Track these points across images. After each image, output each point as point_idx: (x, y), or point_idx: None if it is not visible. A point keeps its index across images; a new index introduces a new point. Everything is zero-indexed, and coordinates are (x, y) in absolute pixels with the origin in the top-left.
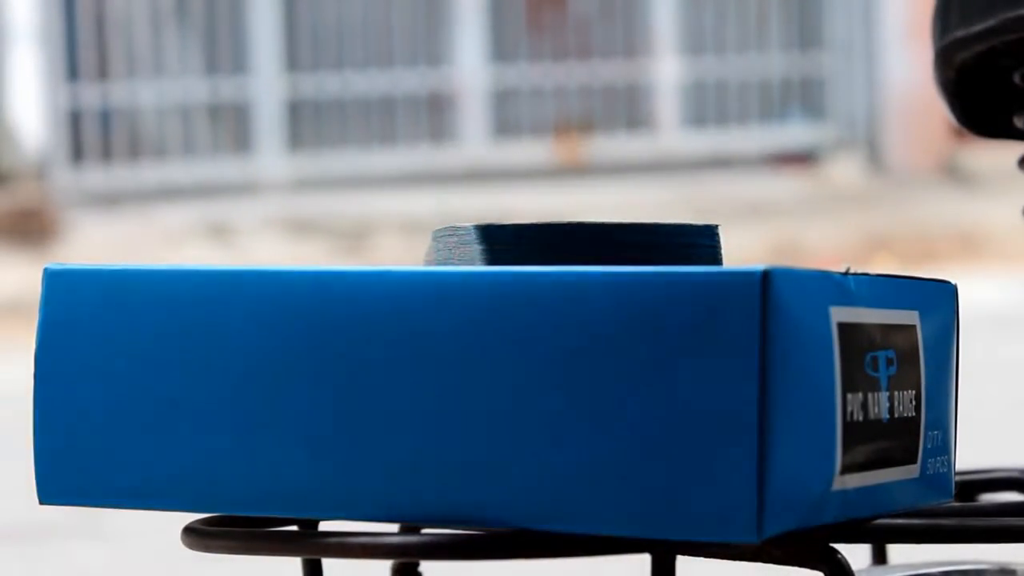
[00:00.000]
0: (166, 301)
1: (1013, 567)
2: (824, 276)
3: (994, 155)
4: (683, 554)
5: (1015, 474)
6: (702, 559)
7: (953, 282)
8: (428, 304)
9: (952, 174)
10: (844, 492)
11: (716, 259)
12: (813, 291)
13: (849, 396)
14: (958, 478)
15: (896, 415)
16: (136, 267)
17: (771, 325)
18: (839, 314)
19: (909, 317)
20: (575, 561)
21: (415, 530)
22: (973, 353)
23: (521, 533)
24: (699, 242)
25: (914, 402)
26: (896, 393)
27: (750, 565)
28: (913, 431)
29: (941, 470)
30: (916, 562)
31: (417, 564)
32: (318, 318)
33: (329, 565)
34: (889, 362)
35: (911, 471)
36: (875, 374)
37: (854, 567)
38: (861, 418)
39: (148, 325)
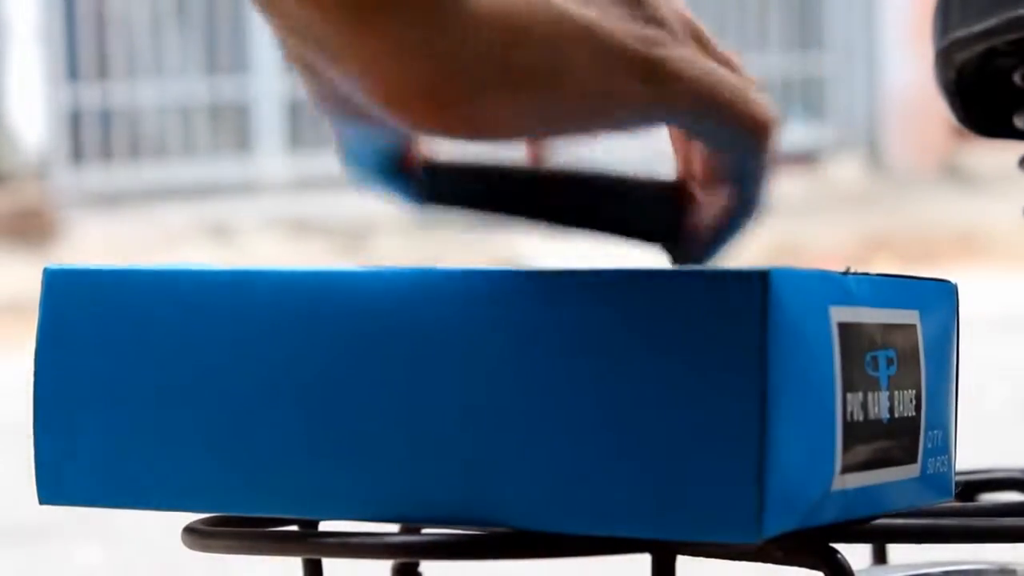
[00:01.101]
0: (166, 301)
1: (1013, 567)
2: (824, 276)
3: (994, 155)
4: (683, 554)
5: (1015, 474)
6: (702, 559)
7: (953, 281)
8: (428, 303)
9: (952, 174)
10: (844, 492)
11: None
12: (813, 291)
13: (849, 396)
14: (958, 478)
15: (896, 415)
16: (136, 267)
17: (771, 325)
18: (839, 314)
19: (909, 316)
20: (575, 561)
21: (415, 530)
22: (973, 353)
23: (521, 533)
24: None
25: (914, 402)
26: (896, 393)
27: (750, 565)
28: (913, 431)
29: (941, 470)
30: (916, 562)
31: (417, 564)
32: (318, 317)
33: (329, 565)
34: (889, 362)
35: (911, 471)
36: (875, 374)
37: (854, 567)
38: (861, 418)
39: (148, 325)
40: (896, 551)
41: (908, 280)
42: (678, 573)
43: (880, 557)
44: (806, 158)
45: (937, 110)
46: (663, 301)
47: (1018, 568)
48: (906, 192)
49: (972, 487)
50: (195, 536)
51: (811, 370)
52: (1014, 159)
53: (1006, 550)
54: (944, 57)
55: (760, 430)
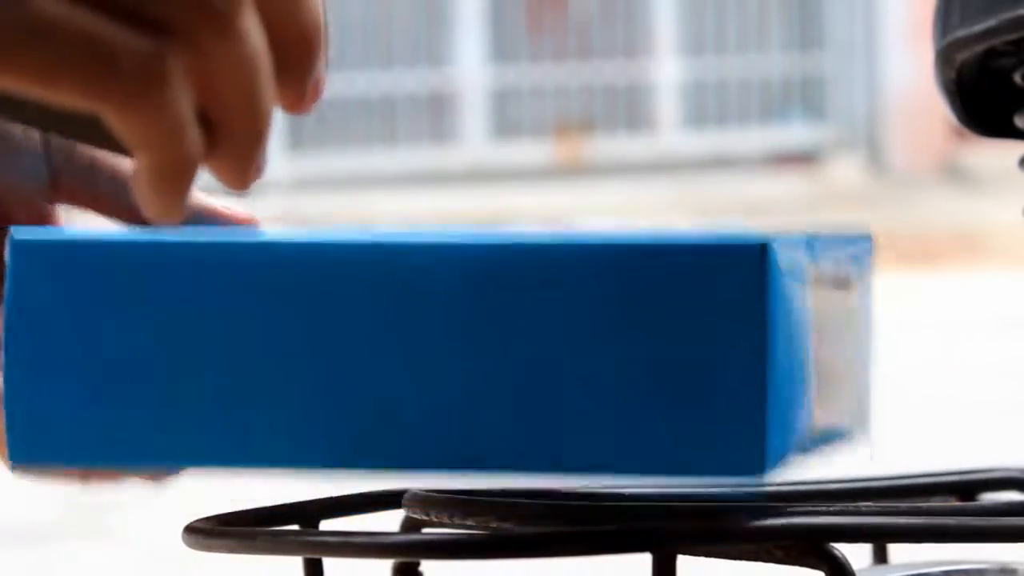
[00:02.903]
0: (134, 268)
1: (1013, 567)
2: (801, 240)
3: (994, 155)
4: (684, 554)
5: (1015, 474)
6: (702, 559)
7: (870, 231)
8: (428, 271)
9: (952, 174)
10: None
11: None
12: (797, 256)
13: None
14: (958, 478)
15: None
16: (104, 235)
17: (770, 288)
18: (813, 272)
19: (851, 273)
20: (576, 561)
21: (415, 530)
22: (973, 353)
23: (522, 534)
24: None
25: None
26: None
27: (750, 565)
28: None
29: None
30: (916, 562)
31: (417, 564)
32: (305, 284)
33: (329, 565)
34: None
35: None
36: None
37: (854, 567)
38: None
39: (116, 292)
40: (896, 551)
41: (844, 238)
42: (678, 573)
43: (880, 557)
44: (806, 158)
45: (937, 110)
46: (671, 269)
47: (1018, 568)
48: (906, 192)
49: (972, 487)
50: (196, 536)
51: (796, 328)
52: (1014, 159)
53: (1006, 550)
54: (944, 57)
55: (762, 378)
